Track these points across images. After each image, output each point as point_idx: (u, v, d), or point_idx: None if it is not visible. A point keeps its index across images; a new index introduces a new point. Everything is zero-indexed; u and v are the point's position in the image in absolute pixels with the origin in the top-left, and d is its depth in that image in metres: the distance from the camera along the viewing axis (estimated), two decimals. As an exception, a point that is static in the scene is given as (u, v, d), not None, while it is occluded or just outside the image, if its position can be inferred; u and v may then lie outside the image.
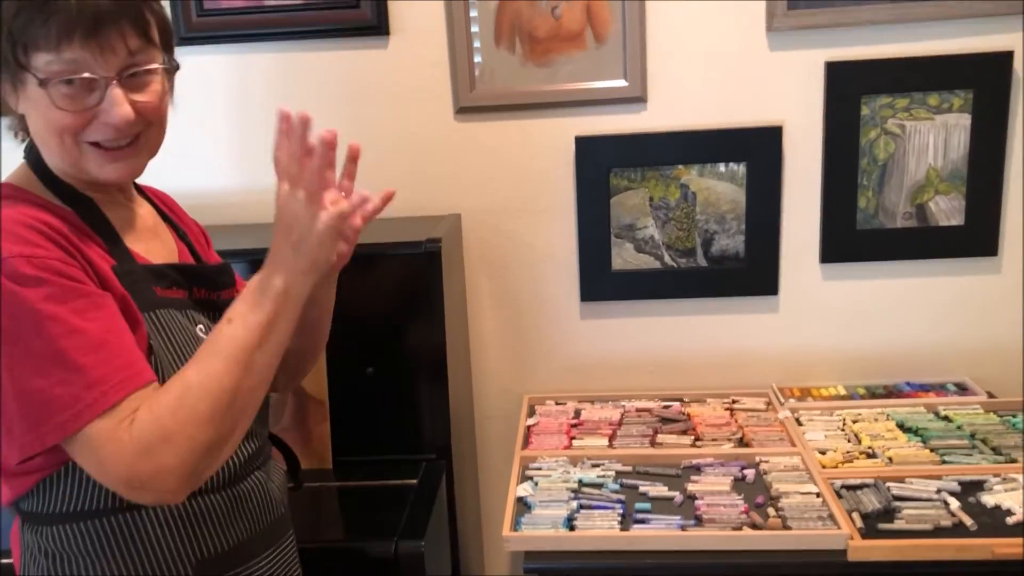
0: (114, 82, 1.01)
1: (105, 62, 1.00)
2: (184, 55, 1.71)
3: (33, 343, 0.95)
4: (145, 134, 1.06)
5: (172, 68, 1.09)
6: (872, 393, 1.89)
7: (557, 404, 1.93)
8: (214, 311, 1.16)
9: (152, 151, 1.10)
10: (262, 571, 1.17)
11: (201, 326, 1.13)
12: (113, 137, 1.03)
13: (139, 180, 1.18)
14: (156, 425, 0.95)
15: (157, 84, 1.06)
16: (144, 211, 1.20)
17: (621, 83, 1.86)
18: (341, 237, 1.14)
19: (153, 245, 1.16)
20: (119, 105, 1.01)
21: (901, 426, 1.72)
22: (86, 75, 0.99)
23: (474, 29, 1.85)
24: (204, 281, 1.18)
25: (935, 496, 1.47)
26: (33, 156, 1.08)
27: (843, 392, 1.90)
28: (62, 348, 0.95)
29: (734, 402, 1.89)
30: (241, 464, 1.14)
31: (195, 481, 0.99)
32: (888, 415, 1.77)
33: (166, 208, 1.26)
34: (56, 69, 0.99)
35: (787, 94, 1.85)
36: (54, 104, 1.00)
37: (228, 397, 0.99)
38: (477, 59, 1.87)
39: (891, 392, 1.89)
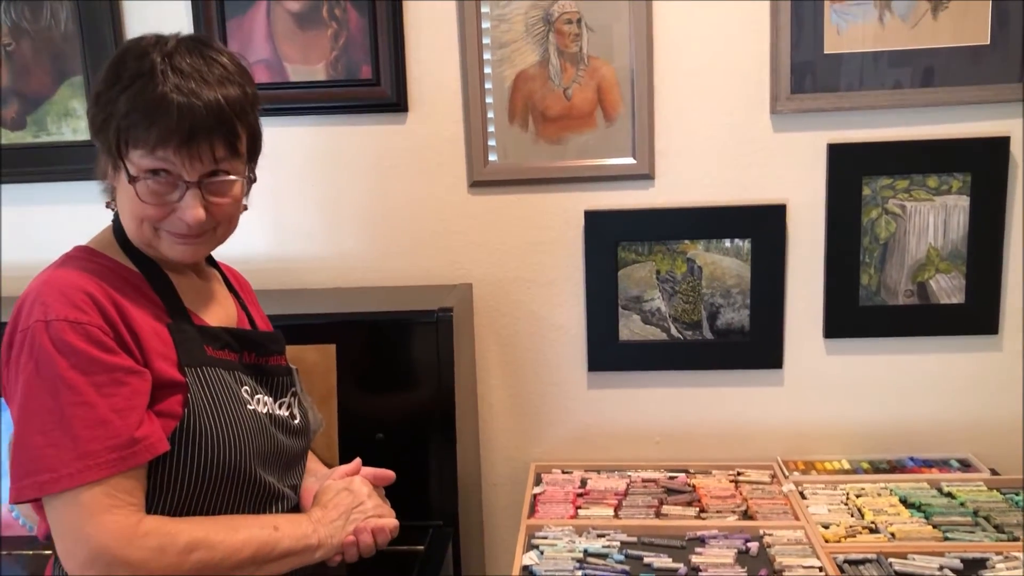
0: (194, 186, 1.11)
1: (191, 168, 1.11)
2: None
3: (46, 402, 1.04)
4: (215, 229, 1.18)
5: (251, 180, 1.21)
6: (876, 468, 1.91)
7: (564, 473, 1.95)
8: (262, 375, 1.27)
9: (220, 242, 1.22)
10: None
11: (247, 387, 1.22)
12: (184, 232, 1.15)
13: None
14: (154, 547, 1.06)
15: (235, 191, 1.17)
16: (211, 280, 1.31)
17: (630, 160, 1.92)
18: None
19: (213, 310, 1.26)
20: (193, 208, 1.12)
21: (904, 501, 1.73)
22: (172, 177, 1.11)
23: (488, 102, 1.93)
24: (254, 346, 1.27)
25: (937, 573, 1.48)
26: (116, 222, 1.20)
27: (847, 466, 1.92)
28: (68, 415, 1.04)
29: (739, 474, 1.90)
30: None
31: None
32: (891, 490, 1.78)
33: (234, 282, 1.38)
34: (147, 166, 1.10)
35: (791, 174, 1.90)
36: (139, 198, 1.11)
37: (215, 570, 1.10)
38: (491, 134, 1.94)
39: (894, 467, 1.91)
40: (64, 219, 1.93)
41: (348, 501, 1.27)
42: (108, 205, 1.20)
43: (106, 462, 1.04)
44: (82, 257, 1.17)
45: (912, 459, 1.94)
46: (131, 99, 1.08)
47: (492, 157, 1.95)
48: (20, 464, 1.05)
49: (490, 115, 1.93)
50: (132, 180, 1.11)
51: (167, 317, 1.17)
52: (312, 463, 1.41)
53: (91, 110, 1.15)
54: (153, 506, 1.10)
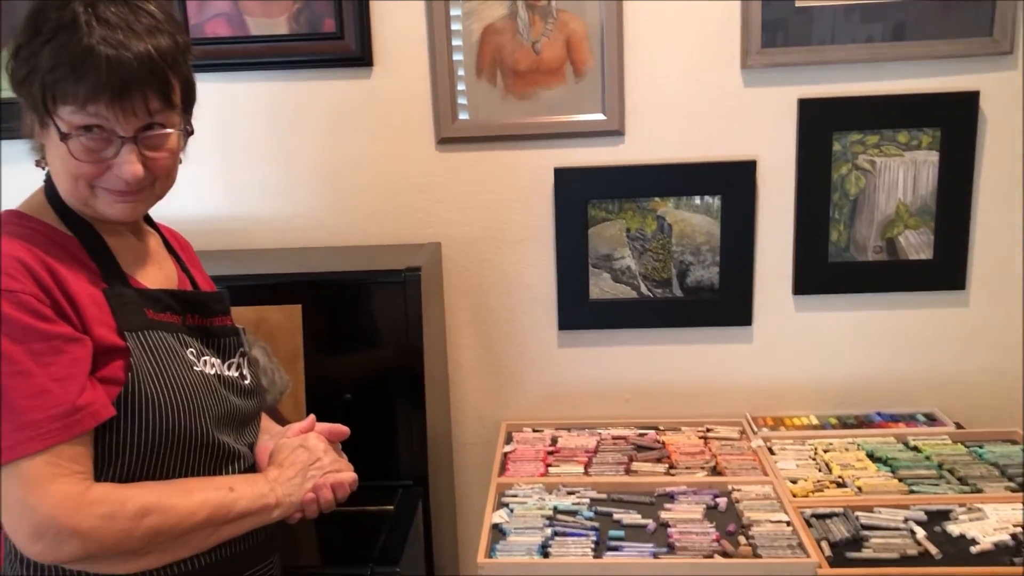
0: (130, 141, 1.07)
1: (126, 122, 1.07)
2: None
3: None
4: (153, 184, 1.14)
5: (188, 131, 1.16)
6: (843, 423, 1.92)
7: (534, 431, 1.95)
8: (207, 336, 1.24)
9: (158, 198, 1.18)
10: None
11: (192, 349, 1.19)
12: (123, 189, 1.10)
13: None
14: (103, 513, 1.04)
15: (171, 144, 1.13)
16: (150, 241, 1.27)
17: (599, 116, 1.90)
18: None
19: (151, 272, 1.22)
20: (130, 164, 1.08)
21: (871, 456, 1.75)
22: (105, 132, 1.06)
23: (456, 58, 1.89)
24: (198, 308, 1.24)
25: (902, 525, 1.50)
26: (49, 184, 1.15)
27: (815, 422, 1.93)
28: (6, 386, 1.01)
29: (708, 431, 1.91)
30: None
31: (82, 564, 1.07)
32: (859, 445, 1.80)
33: (174, 242, 1.33)
34: (78, 122, 1.05)
35: (761, 130, 1.89)
36: (72, 155, 1.07)
37: (169, 535, 1.09)
38: (460, 92, 1.90)
39: (862, 422, 1.93)
40: (15, 180, 1.88)
41: (304, 458, 1.26)
42: (38, 164, 1.15)
43: (48, 432, 1.01)
44: (12, 222, 1.12)
45: (879, 414, 1.95)
46: (55, 52, 1.03)
47: (461, 114, 1.91)
48: None
49: (459, 72, 1.89)
50: (64, 137, 1.06)
51: (103, 282, 1.13)
52: (266, 422, 1.39)
53: (11, 64, 1.09)
54: (104, 474, 1.08)
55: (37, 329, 1.03)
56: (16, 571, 1.11)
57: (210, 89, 1.92)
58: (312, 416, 1.36)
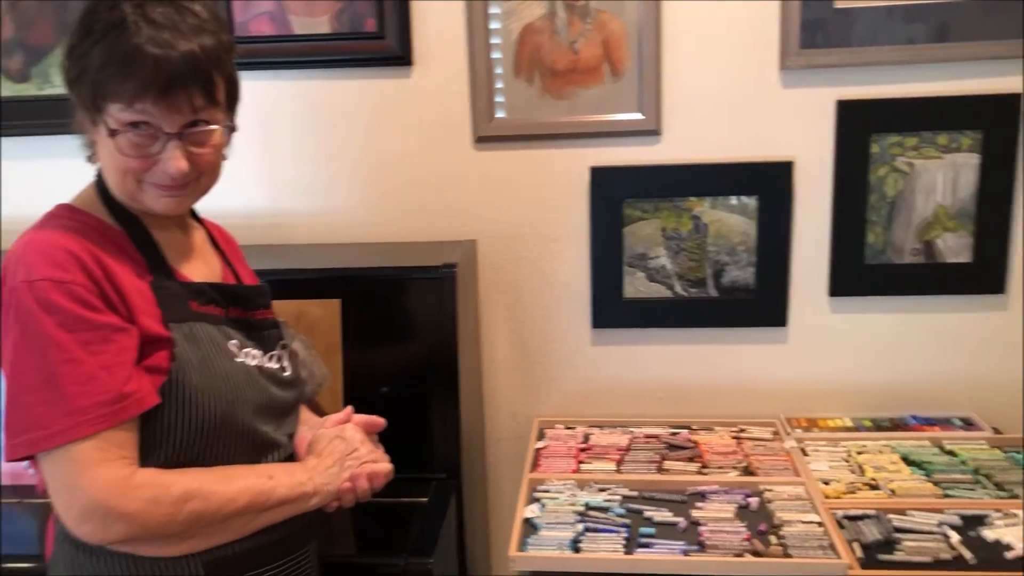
0: (175, 137, 1.11)
1: (171, 119, 1.10)
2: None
3: (34, 361, 1.05)
4: (198, 179, 1.18)
5: (231, 128, 1.20)
6: (878, 426, 1.91)
7: (567, 428, 1.97)
8: (249, 329, 1.27)
9: (203, 192, 1.22)
10: None
11: (234, 341, 1.22)
12: (168, 184, 1.14)
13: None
14: (148, 498, 1.07)
15: (216, 140, 1.17)
16: (195, 236, 1.31)
17: (637, 116, 1.90)
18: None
19: (196, 266, 1.26)
20: (176, 160, 1.12)
21: (905, 459, 1.74)
22: (152, 129, 1.10)
23: (495, 57, 1.91)
24: (240, 301, 1.28)
25: (936, 529, 1.49)
26: (99, 179, 1.20)
27: (849, 424, 1.93)
28: (56, 373, 1.05)
29: (741, 431, 1.92)
30: None
31: (128, 546, 1.11)
32: (893, 448, 1.79)
33: (219, 237, 1.37)
34: (126, 119, 1.09)
35: (799, 131, 1.89)
36: (120, 151, 1.11)
37: (210, 519, 1.12)
38: (498, 90, 1.92)
39: (897, 425, 1.92)
40: (68, 173, 1.93)
41: (342, 448, 1.29)
42: (89, 159, 1.19)
43: (96, 417, 1.05)
44: (63, 216, 1.17)
45: (915, 417, 1.94)
46: (105, 52, 1.07)
47: (498, 113, 1.93)
48: (12, 423, 1.06)
49: (497, 70, 1.91)
50: (112, 134, 1.10)
51: (149, 274, 1.17)
52: (304, 413, 1.43)
53: (64, 63, 1.13)
54: (148, 460, 1.11)
55: (87, 319, 1.07)
56: (66, 551, 1.16)
57: (253, 87, 1.95)
58: (350, 407, 1.39)
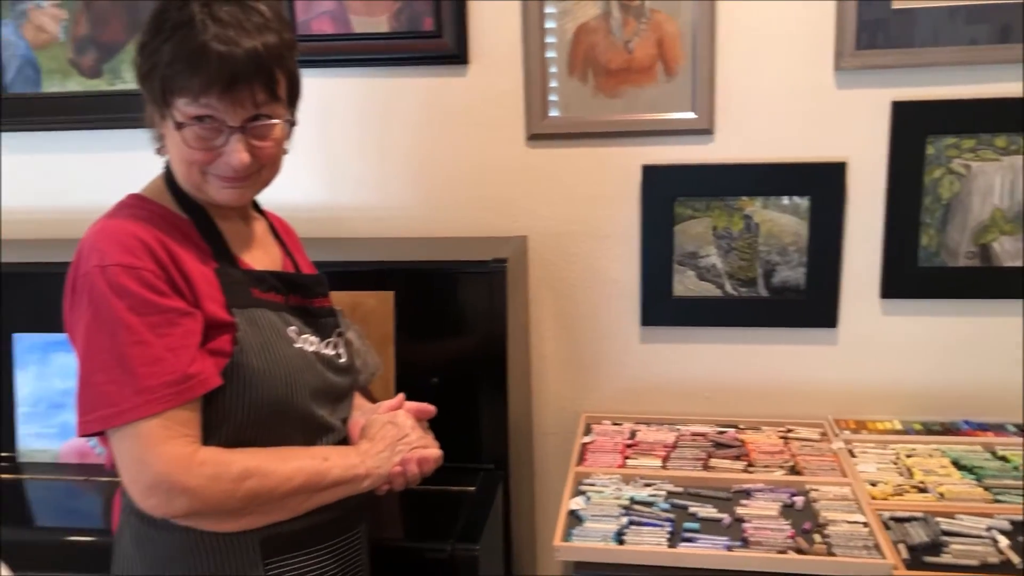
0: (238, 131, 1.16)
1: (234, 113, 1.16)
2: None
3: (106, 342, 1.11)
4: (260, 172, 1.23)
5: (292, 122, 1.25)
6: (928, 429, 1.90)
7: (614, 424, 1.98)
8: (308, 316, 1.32)
9: (264, 185, 1.27)
10: (328, 556, 1.27)
11: (294, 327, 1.28)
12: (231, 176, 1.19)
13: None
14: (209, 475, 1.13)
15: (276, 134, 1.22)
16: (257, 226, 1.36)
17: (689, 115, 1.92)
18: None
19: (258, 255, 1.32)
20: (238, 152, 1.17)
21: (956, 463, 1.73)
22: (216, 122, 1.15)
23: (549, 56, 1.93)
24: (300, 289, 1.33)
25: (985, 533, 1.48)
26: (167, 171, 1.26)
27: (899, 427, 1.91)
28: (126, 354, 1.11)
29: (789, 431, 1.91)
30: None
31: (189, 520, 1.17)
32: (943, 452, 1.78)
33: (280, 228, 1.43)
34: (192, 112, 1.15)
35: (853, 131, 1.88)
36: (186, 143, 1.17)
37: (267, 498, 1.17)
38: (551, 88, 1.95)
39: (948, 429, 1.90)
40: (139, 165, 2.01)
41: (393, 433, 1.33)
42: (158, 151, 1.25)
43: (162, 396, 1.10)
44: (134, 205, 1.23)
45: (967, 422, 1.92)
46: (174, 49, 1.13)
47: (552, 111, 1.96)
48: (84, 400, 1.13)
49: (552, 70, 1.94)
50: (179, 127, 1.16)
51: (214, 261, 1.22)
52: (358, 399, 1.47)
53: (136, 60, 1.19)
54: (210, 439, 1.17)
55: (155, 303, 1.12)
56: (131, 524, 1.22)
57: (314, 84, 2.00)
58: (402, 395, 1.43)
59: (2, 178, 2.18)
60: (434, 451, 1.35)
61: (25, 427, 1.85)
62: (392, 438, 1.32)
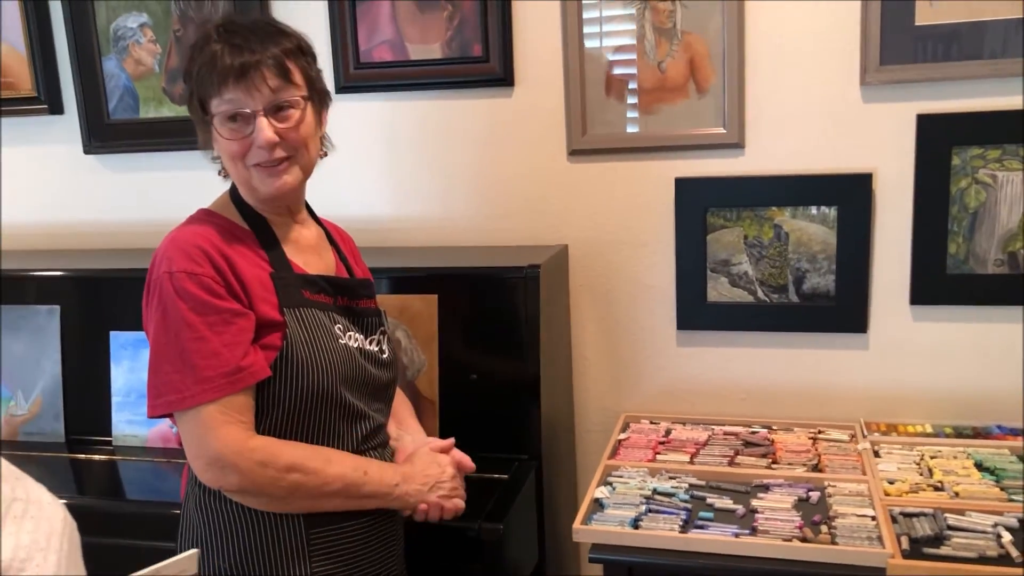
0: (260, 114, 1.33)
1: (253, 99, 1.33)
2: (343, 101, 2.12)
3: (171, 338, 1.30)
4: (295, 155, 1.38)
5: (307, 98, 1.38)
6: (959, 433, 1.93)
7: (651, 423, 2.09)
8: (353, 315, 1.48)
9: (304, 168, 1.42)
10: (366, 528, 1.43)
11: (339, 326, 1.43)
12: (266, 158, 1.35)
13: (320, 214, 1.57)
14: (259, 460, 1.29)
15: (298, 114, 1.37)
16: (312, 232, 1.52)
17: (720, 130, 2.02)
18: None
19: (312, 259, 1.48)
20: (263, 131, 1.33)
21: (978, 465, 1.76)
22: (241, 110, 1.32)
23: (588, 77, 2.07)
24: (347, 291, 1.49)
25: (990, 529, 1.52)
26: (233, 187, 1.44)
27: (930, 430, 1.95)
28: (188, 349, 1.29)
29: (819, 432, 1.98)
30: (360, 439, 1.44)
31: (239, 496, 1.34)
32: (969, 454, 1.81)
33: (336, 236, 1.59)
34: (222, 109, 1.33)
35: (879, 144, 1.94)
36: (222, 136, 1.34)
37: (306, 495, 1.33)
38: (591, 105, 2.08)
39: (979, 433, 1.93)
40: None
41: (436, 473, 1.49)
42: (220, 174, 1.44)
43: (219, 385, 1.28)
44: (201, 218, 1.41)
45: (1000, 427, 1.95)
46: (198, 64, 1.33)
47: (591, 128, 2.09)
48: (153, 387, 1.32)
49: (590, 89, 2.08)
50: (215, 124, 1.33)
51: (270, 267, 1.39)
52: (413, 422, 1.65)
53: (182, 88, 1.39)
54: (260, 424, 1.34)
55: (213, 305, 1.30)
56: (195, 493, 1.41)
57: (375, 107, 2.21)
58: (451, 439, 1.59)
59: (106, 194, 2.45)
60: (459, 503, 1.51)
61: (119, 415, 2.10)
62: (433, 478, 1.48)
